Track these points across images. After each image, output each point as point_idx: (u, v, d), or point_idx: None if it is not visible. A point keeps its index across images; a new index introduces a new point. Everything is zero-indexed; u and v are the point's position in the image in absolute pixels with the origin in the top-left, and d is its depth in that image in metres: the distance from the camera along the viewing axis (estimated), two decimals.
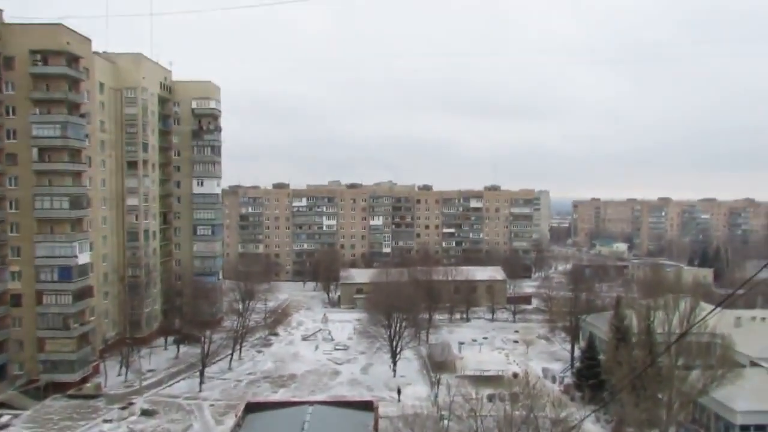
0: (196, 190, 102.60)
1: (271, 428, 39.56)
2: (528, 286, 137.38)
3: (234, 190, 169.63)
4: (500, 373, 70.19)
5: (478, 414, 42.41)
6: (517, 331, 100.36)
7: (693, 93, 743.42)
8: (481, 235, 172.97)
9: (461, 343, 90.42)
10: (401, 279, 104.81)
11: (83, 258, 71.22)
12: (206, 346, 73.08)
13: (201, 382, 71.45)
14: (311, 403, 42.62)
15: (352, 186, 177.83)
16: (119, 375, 74.44)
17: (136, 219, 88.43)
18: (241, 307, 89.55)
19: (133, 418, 61.44)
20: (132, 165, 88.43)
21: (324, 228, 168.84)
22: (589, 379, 63.73)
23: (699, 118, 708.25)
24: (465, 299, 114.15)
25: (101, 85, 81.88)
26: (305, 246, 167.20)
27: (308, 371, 79.13)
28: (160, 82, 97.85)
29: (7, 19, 68.50)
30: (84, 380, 70.13)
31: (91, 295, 73.85)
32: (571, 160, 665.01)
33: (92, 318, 74.27)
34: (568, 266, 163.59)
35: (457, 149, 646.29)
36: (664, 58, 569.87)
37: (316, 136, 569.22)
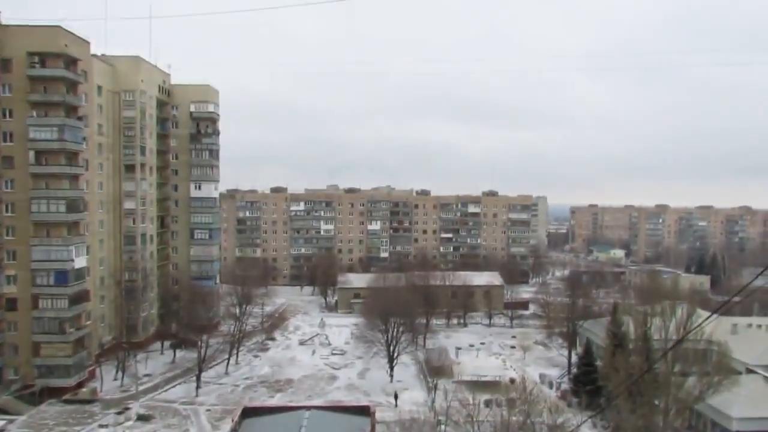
0: (194, 193, 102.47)
1: None
2: (525, 292, 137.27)
3: (231, 194, 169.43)
4: (497, 379, 70.02)
5: (475, 419, 42.43)
6: (514, 337, 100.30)
7: (691, 101, 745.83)
8: (479, 241, 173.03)
9: (458, 349, 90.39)
10: (399, 284, 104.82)
11: (79, 262, 70.95)
12: (203, 351, 72.81)
13: (197, 387, 71.16)
14: (308, 408, 42.43)
15: (350, 190, 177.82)
16: (115, 380, 74.18)
17: (133, 222, 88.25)
18: (238, 311, 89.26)
19: (129, 423, 61.18)
20: (129, 168, 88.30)
21: (321, 232, 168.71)
22: (586, 385, 63.73)
23: (697, 126, 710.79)
24: (462, 304, 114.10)
25: (99, 87, 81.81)
26: (303, 250, 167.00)
27: (305, 376, 78.94)
28: (159, 85, 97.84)
29: (5, 20, 68.38)
30: (80, 385, 69.73)
31: (88, 299, 73.51)
32: (570, 166, 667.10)
33: (88, 322, 73.92)
34: (566, 272, 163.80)
35: (455, 155, 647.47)
36: (663, 66, 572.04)
37: (314, 141, 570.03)
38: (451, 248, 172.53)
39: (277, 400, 67.46)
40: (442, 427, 49.72)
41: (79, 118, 72.51)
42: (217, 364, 79.39)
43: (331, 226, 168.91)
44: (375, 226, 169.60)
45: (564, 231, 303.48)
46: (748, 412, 49.00)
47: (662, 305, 50.76)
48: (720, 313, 56.80)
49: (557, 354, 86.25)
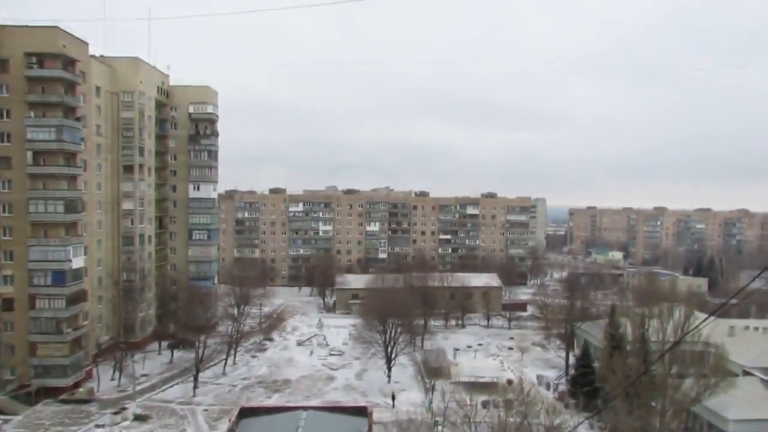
0: (193, 194, 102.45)
1: None
2: (523, 293, 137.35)
3: (230, 195, 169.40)
4: (495, 380, 70.08)
5: (472, 420, 42.46)
6: (512, 338, 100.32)
7: (690, 102, 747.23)
8: (477, 242, 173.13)
9: (456, 350, 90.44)
10: (397, 285, 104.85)
11: (77, 262, 70.90)
12: (200, 351, 72.75)
13: (195, 387, 71.14)
14: (305, 409, 42.39)
15: (349, 191, 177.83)
16: (112, 380, 74.13)
17: (132, 223, 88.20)
18: (236, 311, 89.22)
19: (126, 423, 61.09)
20: (128, 169, 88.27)
21: (320, 233, 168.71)
22: (584, 386, 63.75)
23: (696, 128, 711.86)
24: (460, 305, 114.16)
25: (98, 88, 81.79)
26: (301, 251, 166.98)
27: (303, 376, 78.93)
28: (158, 86, 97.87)
29: (2, 20, 68.35)
30: (76, 385, 69.62)
31: (85, 299, 73.46)
32: (568, 168, 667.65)
33: (86, 322, 73.84)
34: (564, 274, 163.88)
35: (454, 156, 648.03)
36: (663, 68, 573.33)
37: (313, 141, 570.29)
38: (450, 249, 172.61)
39: (274, 401, 67.44)
40: (440, 428, 49.73)
41: (78, 119, 72.54)
42: (214, 365, 79.33)
43: (329, 227, 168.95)
44: (373, 227, 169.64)
45: (562, 233, 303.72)
46: (745, 414, 49.06)
47: (660, 307, 50.90)
48: (717, 315, 56.93)
49: (555, 355, 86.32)
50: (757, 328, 76.31)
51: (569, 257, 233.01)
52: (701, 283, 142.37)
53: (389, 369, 76.87)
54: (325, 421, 40.55)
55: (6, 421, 60.38)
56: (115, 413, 63.14)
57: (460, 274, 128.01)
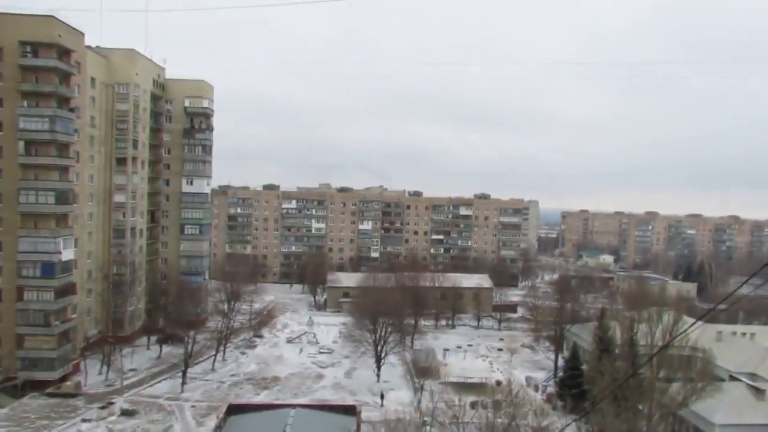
0: (186, 188, 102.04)
1: (253, 430, 39.28)
2: (514, 295, 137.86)
3: (223, 190, 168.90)
4: (484, 381, 70.29)
5: (460, 421, 42.51)
6: (502, 339, 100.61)
7: (680, 111, 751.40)
8: (470, 243, 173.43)
9: (446, 350, 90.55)
10: (388, 284, 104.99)
11: (67, 254, 70.34)
12: (189, 347, 72.47)
13: (183, 383, 70.84)
14: (293, 406, 42.35)
15: (343, 190, 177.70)
16: (100, 374, 73.65)
17: (123, 216, 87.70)
18: (226, 307, 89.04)
19: (113, 417, 60.76)
20: (121, 161, 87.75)
21: (313, 231, 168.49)
22: (572, 388, 64.03)
23: (688, 134, 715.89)
24: (451, 306, 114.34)
25: (93, 79, 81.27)
26: (293, 248, 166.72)
27: (292, 374, 78.80)
28: (153, 79, 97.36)
29: None
30: (64, 378, 69.16)
31: (74, 292, 72.95)
32: (561, 171, 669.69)
33: (74, 315, 73.36)
34: (555, 276, 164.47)
35: (448, 157, 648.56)
36: (653, 76, 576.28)
37: (307, 139, 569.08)
38: (442, 250, 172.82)
39: (262, 398, 67.26)
40: (428, 428, 49.77)
41: (71, 110, 71.97)
42: (203, 361, 79.07)
43: (322, 225, 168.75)
44: (366, 225, 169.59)
45: (554, 235, 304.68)
46: (731, 419, 49.41)
47: (649, 311, 51.13)
48: (705, 320, 57.32)
49: (544, 357, 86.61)
50: (744, 334, 77.11)
51: (560, 260, 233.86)
52: (690, 288, 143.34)
53: (379, 368, 76.88)
54: (314, 419, 40.50)
55: None
56: (102, 408, 62.75)
57: (452, 274, 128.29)
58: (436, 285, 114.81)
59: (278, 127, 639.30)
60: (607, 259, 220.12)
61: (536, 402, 56.61)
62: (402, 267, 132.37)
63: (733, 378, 59.09)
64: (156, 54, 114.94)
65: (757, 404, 52.07)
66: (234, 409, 42.22)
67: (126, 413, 61.87)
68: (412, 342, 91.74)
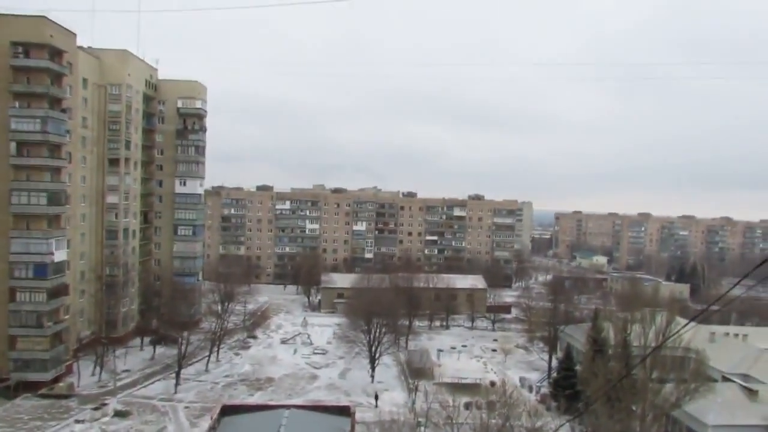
0: (179, 189, 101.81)
1: (247, 431, 39.18)
2: (508, 296, 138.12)
3: (217, 191, 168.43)
4: (478, 381, 70.36)
5: (454, 421, 42.55)
6: (495, 340, 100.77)
7: (679, 112, 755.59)
8: (464, 244, 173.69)
9: (440, 351, 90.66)
10: (382, 285, 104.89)
11: (60, 255, 70.00)
12: (183, 348, 72.25)
13: (176, 384, 70.59)
14: (288, 407, 42.26)
15: (337, 190, 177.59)
16: (93, 375, 73.29)
17: (116, 217, 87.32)
18: (219, 308, 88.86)
19: (106, 419, 60.48)
20: (114, 162, 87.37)
21: (306, 231, 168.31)
22: (566, 389, 64.18)
23: (684, 136, 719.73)
24: (445, 307, 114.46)
25: (85, 80, 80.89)
26: (287, 249, 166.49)
27: (286, 375, 78.66)
28: (146, 80, 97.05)
29: None
30: (56, 380, 68.78)
31: (67, 293, 72.60)
32: (555, 172, 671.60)
33: (67, 316, 72.98)
34: (549, 277, 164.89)
35: (444, 159, 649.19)
36: (652, 77, 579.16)
37: (301, 140, 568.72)
38: (436, 251, 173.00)
39: (256, 399, 67.12)
40: (422, 428, 49.81)
41: (63, 111, 71.66)
42: (197, 361, 78.75)
43: (316, 226, 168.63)
44: (360, 226, 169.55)
45: (548, 236, 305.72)
46: (724, 419, 49.66)
47: (642, 312, 51.35)
48: (698, 321, 57.64)
49: (538, 358, 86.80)
50: (737, 335, 77.46)
51: (554, 261, 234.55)
52: (683, 290, 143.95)
53: (373, 369, 76.86)
54: (308, 420, 40.44)
55: None
56: (95, 409, 62.45)
57: (446, 275, 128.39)
58: (430, 286, 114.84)
59: (273, 128, 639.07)
60: (601, 260, 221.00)
61: (530, 403, 56.64)
62: (396, 268, 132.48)
63: (725, 379, 59.43)
64: (149, 55, 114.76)
65: (749, 405, 52.39)
66: (228, 410, 42.09)
67: (119, 414, 61.61)
68: (407, 343, 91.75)
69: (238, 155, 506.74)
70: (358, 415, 45.87)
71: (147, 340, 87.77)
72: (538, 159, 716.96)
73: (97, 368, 73.87)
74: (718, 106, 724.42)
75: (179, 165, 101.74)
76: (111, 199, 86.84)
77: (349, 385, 75.11)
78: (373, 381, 75.40)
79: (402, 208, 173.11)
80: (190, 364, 76.19)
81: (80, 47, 78.77)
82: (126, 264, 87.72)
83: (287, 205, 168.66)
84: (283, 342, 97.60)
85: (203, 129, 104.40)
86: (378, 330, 78.23)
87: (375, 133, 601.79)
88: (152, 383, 73.03)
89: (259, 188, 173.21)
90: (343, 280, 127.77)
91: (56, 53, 69.68)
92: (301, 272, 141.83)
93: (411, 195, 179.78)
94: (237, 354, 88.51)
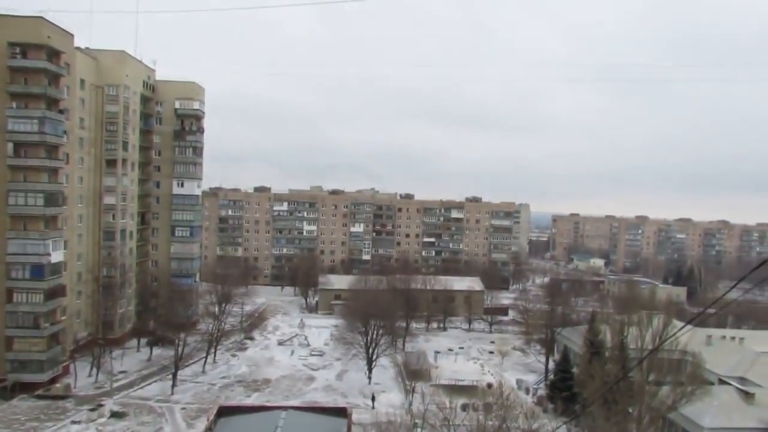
0: (176, 190, 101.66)
1: None
2: (505, 298, 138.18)
3: (214, 192, 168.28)
4: (475, 383, 70.40)
5: (451, 423, 42.58)
6: (493, 342, 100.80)
7: (671, 115, 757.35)
8: (461, 246, 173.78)
9: (437, 352, 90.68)
10: (380, 286, 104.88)
11: (56, 256, 69.91)
12: (180, 349, 72.14)
13: (173, 385, 70.48)
14: (284, 408, 42.29)
15: (334, 192, 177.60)
16: (90, 376, 73.14)
17: (113, 218, 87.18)
18: (217, 310, 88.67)
19: (103, 419, 60.41)
20: (111, 163, 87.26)
21: (304, 233, 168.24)
22: (562, 391, 64.29)
23: (676, 138, 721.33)
24: (442, 309, 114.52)
25: (82, 81, 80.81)
26: (284, 250, 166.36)
27: (283, 376, 78.62)
28: (143, 81, 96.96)
29: None
30: (53, 380, 68.70)
31: (64, 294, 72.50)
32: (553, 175, 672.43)
33: (64, 317, 72.88)
34: (546, 279, 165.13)
35: (440, 160, 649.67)
36: (645, 81, 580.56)
37: (299, 141, 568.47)
38: (433, 253, 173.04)
39: (253, 400, 67.07)
40: (419, 430, 49.80)
41: (61, 111, 71.57)
42: (194, 363, 78.60)
43: (313, 227, 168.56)
44: (358, 228, 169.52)
45: (545, 239, 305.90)
46: (720, 422, 49.73)
47: (639, 315, 51.43)
48: (695, 324, 57.71)
49: (535, 360, 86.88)
50: (733, 338, 77.53)
51: (551, 263, 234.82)
52: (680, 292, 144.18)
53: (370, 370, 76.84)
54: (305, 421, 40.47)
55: None
56: (92, 410, 62.31)
57: (443, 277, 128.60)
58: (428, 288, 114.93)
59: (271, 129, 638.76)
60: (598, 262, 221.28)
61: (527, 405, 56.73)
62: (393, 270, 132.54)
63: (722, 382, 59.49)
64: (147, 56, 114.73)
65: (746, 408, 52.46)
66: (225, 412, 42.12)
67: (116, 415, 61.52)
68: (404, 344, 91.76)
69: (235, 156, 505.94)
70: (354, 417, 45.93)
71: (144, 341, 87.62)
72: (535, 161, 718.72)
73: (94, 369, 73.73)
74: (718, 107, 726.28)
75: (177, 166, 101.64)
76: (108, 200, 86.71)
77: (346, 386, 75.09)
78: (370, 382, 75.38)
79: (399, 209, 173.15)
80: (187, 366, 76.06)
81: (78, 48, 78.71)
82: (123, 265, 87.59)
83: (284, 206, 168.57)
84: (281, 343, 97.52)
85: (201, 130, 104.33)
86: (375, 332, 78.24)
87: (373, 134, 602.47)
88: (149, 384, 72.95)
89: (256, 189, 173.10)
90: (340, 282, 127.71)
91: (54, 54, 69.62)
92: (299, 274, 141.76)
93: (408, 197, 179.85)
94: (234, 355, 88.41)
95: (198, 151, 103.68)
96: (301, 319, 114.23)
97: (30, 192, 67.51)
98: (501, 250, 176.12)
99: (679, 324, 49.91)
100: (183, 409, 64.74)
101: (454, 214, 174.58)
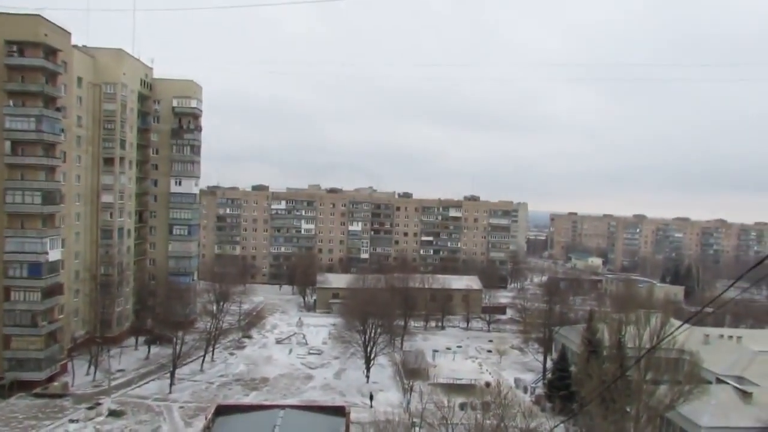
0: (174, 189, 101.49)
1: (242, 431, 39.14)
2: (503, 297, 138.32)
3: (212, 191, 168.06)
4: (473, 382, 70.47)
5: (449, 422, 42.56)
6: (491, 341, 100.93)
7: (671, 115, 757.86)
8: (459, 245, 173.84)
9: (435, 351, 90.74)
10: (378, 285, 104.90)
11: (54, 255, 69.83)
12: (178, 347, 72.11)
13: (171, 384, 70.45)
14: (282, 407, 42.23)
15: (332, 191, 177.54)
16: (88, 374, 73.06)
17: (111, 216, 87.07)
18: (215, 308, 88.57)
19: (100, 418, 60.34)
20: (108, 162, 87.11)
21: (302, 232, 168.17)
22: (560, 390, 64.34)
23: (674, 138, 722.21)
24: (441, 307, 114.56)
25: (79, 79, 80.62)
26: (283, 249, 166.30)
27: (281, 375, 78.60)
28: (141, 79, 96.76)
29: None
30: (51, 379, 68.65)
31: (61, 292, 72.43)
32: (551, 174, 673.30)
33: (61, 316, 72.82)
34: (544, 278, 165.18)
35: (438, 159, 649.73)
36: (645, 81, 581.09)
37: (297, 140, 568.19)
38: (431, 251, 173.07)
39: (251, 399, 67.07)
40: (417, 429, 49.81)
41: (58, 109, 71.47)
42: (192, 361, 78.67)
43: (311, 226, 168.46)
44: (356, 227, 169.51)
45: (543, 238, 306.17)
46: (717, 421, 49.83)
47: (637, 314, 51.51)
48: (692, 323, 57.81)
49: (533, 359, 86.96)
50: (731, 337, 77.77)
51: (549, 262, 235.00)
52: (678, 291, 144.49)
53: (368, 369, 76.86)
54: (303, 420, 40.43)
55: None
56: (90, 408, 62.30)
57: (441, 276, 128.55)
58: (426, 286, 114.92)
59: (269, 127, 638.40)
60: (596, 261, 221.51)
61: (525, 403, 56.80)
62: (391, 268, 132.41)
63: (719, 381, 59.60)
64: (144, 54, 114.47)
65: (743, 407, 52.55)
66: (222, 410, 42.05)
67: (114, 414, 61.48)
68: (402, 343, 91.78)
69: (233, 155, 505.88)
70: (352, 416, 45.88)
71: (142, 339, 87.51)
72: (533, 160, 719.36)
73: (92, 368, 73.63)
74: (718, 107, 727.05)
75: (174, 164, 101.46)
76: (106, 198, 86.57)
77: (344, 385, 75.10)
78: (368, 381, 75.41)
79: (398, 208, 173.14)
80: (185, 364, 76.08)
81: (75, 46, 78.55)
82: (121, 263, 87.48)
83: (283, 205, 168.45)
84: (279, 342, 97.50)
85: (198, 128, 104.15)
86: (373, 330, 78.26)
87: (371, 133, 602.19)
88: (147, 383, 72.89)
89: (254, 188, 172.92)
90: (338, 281, 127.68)
91: (51, 52, 69.46)
92: (297, 272, 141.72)
93: (407, 195, 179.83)
94: (232, 354, 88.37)
95: (196, 149, 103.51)
96: (299, 318, 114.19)
97: (27, 190, 67.42)
98: (499, 249, 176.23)
99: (676, 323, 50.02)
100: (181, 407, 64.71)
101: (453, 212, 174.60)
